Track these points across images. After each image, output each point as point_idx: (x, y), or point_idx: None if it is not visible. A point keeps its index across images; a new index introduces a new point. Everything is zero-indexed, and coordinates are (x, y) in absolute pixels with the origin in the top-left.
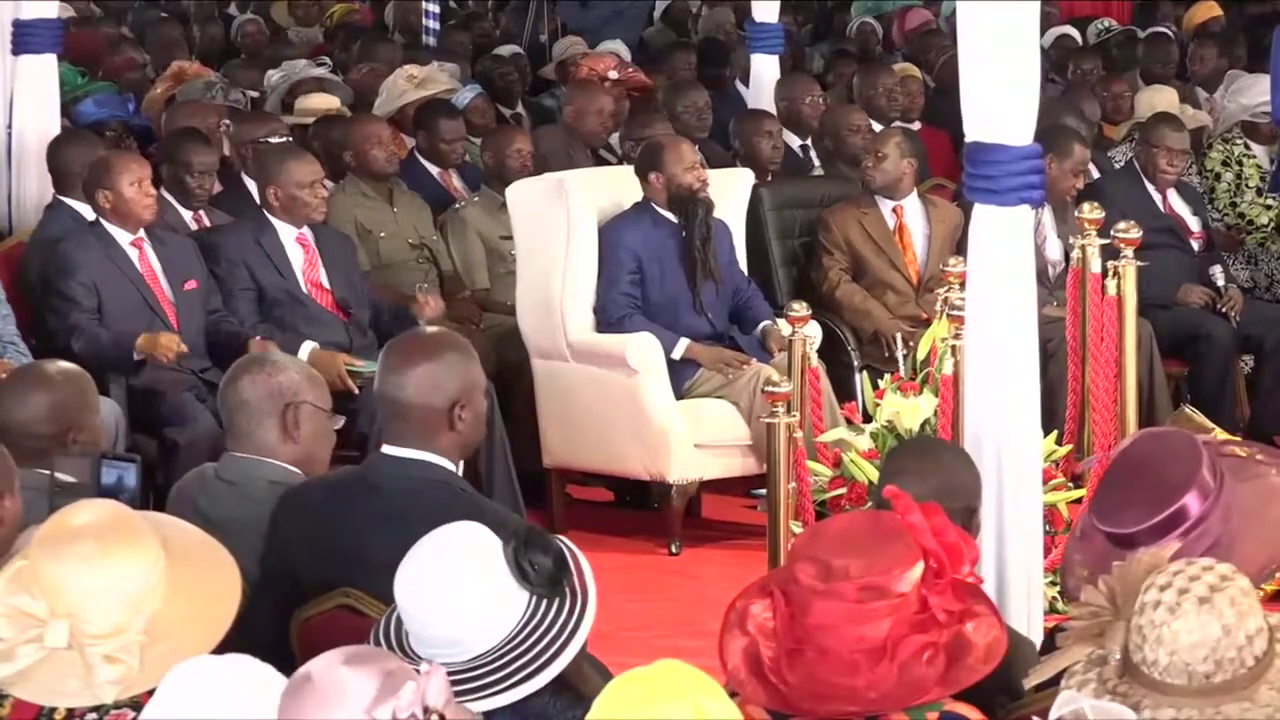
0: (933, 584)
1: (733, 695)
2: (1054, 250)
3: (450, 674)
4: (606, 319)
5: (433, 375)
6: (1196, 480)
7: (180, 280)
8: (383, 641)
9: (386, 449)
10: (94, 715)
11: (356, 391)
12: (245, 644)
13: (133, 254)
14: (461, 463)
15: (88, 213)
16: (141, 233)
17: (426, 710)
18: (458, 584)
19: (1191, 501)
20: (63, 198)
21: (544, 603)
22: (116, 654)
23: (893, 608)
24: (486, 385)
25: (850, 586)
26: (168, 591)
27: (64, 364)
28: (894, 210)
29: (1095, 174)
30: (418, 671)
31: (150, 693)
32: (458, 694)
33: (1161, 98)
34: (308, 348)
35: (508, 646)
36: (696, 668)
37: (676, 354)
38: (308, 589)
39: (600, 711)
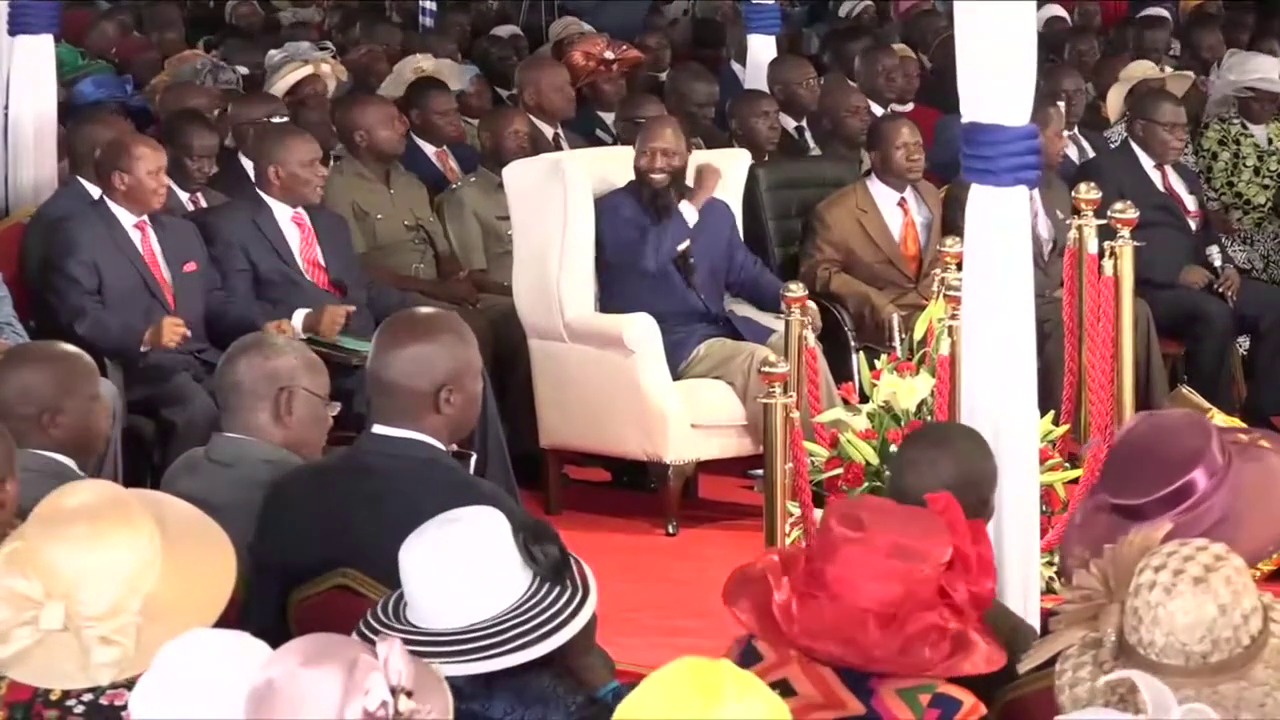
0: (954, 578)
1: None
2: (1043, 228)
3: (446, 639)
4: (615, 293)
5: (421, 357)
6: (1205, 456)
7: (180, 263)
8: (381, 614)
9: (376, 428)
10: (90, 695)
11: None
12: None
13: (135, 236)
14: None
15: (98, 194)
16: (144, 215)
17: (394, 691)
18: (465, 552)
19: (1199, 476)
20: (79, 177)
21: (546, 585)
22: (112, 636)
23: (912, 577)
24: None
25: (883, 539)
26: (163, 571)
27: (56, 346)
28: (899, 204)
29: (1091, 153)
30: (375, 655)
31: (111, 702)
32: (452, 657)
33: (1141, 69)
34: (300, 314)
35: (508, 616)
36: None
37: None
38: (303, 572)
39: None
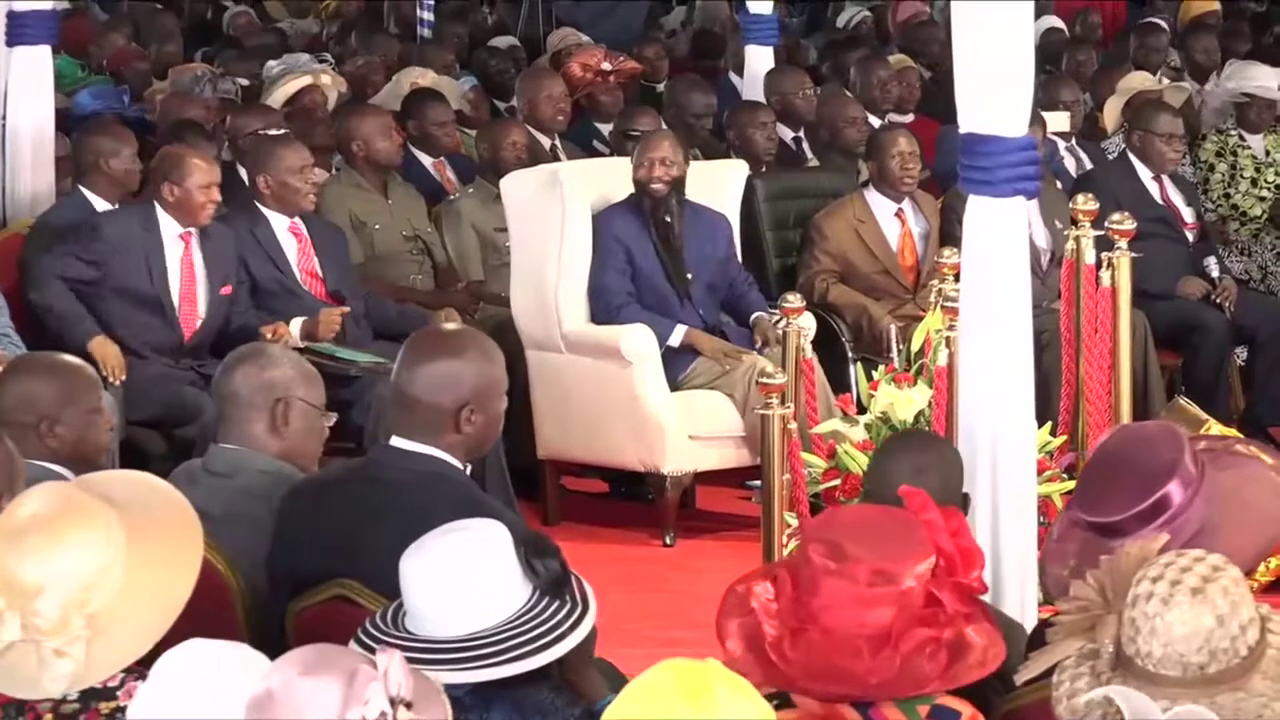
0: (940, 582)
1: None
2: (1040, 238)
3: (444, 647)
4: (603, 306)
5: (446, 374)
6: (1179, 468)
7: (219, 282)
8: (379, 622)
9: (394, 441)
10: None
11: (350, 374)
12: (259, 646)
13: (175, 248)
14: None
15: (100, 205)
16: (190, 228)
17: (393, 702)
18: (466, 561)
19: (1175, 489)
20: (81, 187)
21: (546, 598)
22: (64, 649)
23: (899, 597)
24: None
25: (862, 568)
26: (122, 578)
27: (59, 357)
28: (896, 214)
29: (1088, 164)
30: (375, 666)
31: (105, 684)
32: (449, 665)
33: (1138, 80)
34: (298, 322)
35: (507, 626)
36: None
37: (675, 340)
38: (308, 581)
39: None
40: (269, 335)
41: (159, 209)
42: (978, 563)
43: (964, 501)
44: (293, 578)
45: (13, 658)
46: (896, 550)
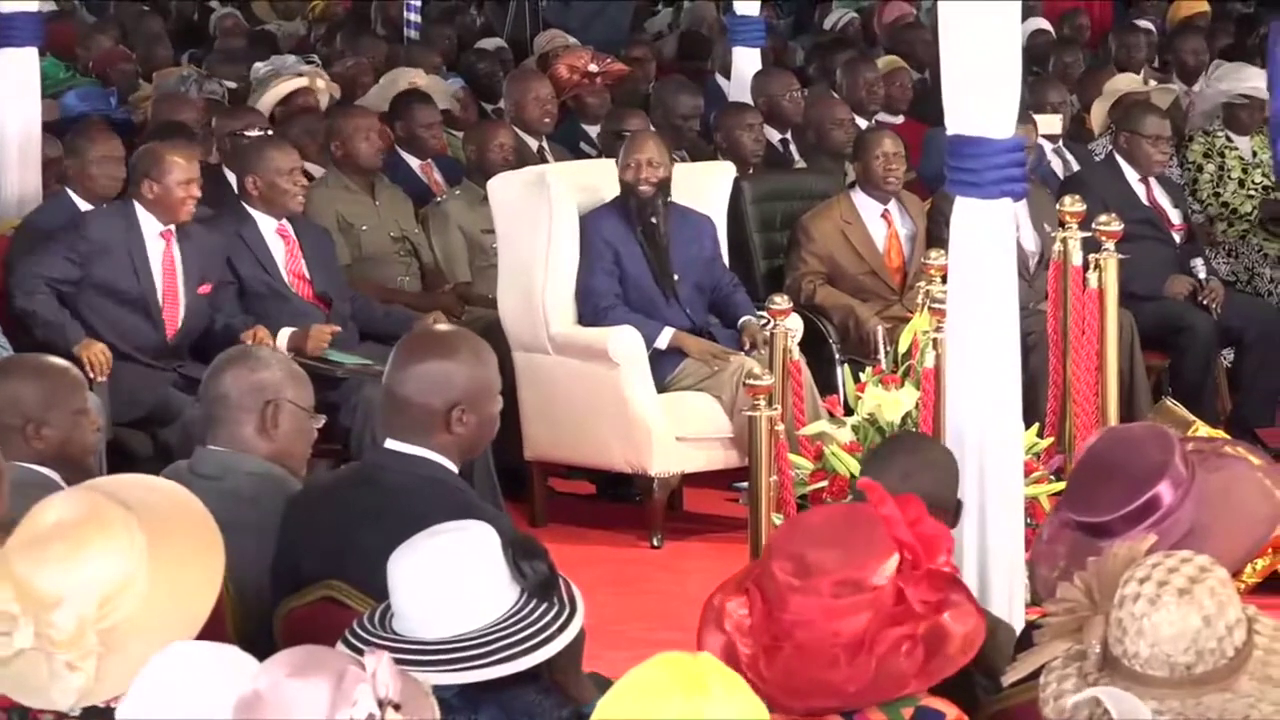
0: (908, 575)
1: None
2: (1028, 240)
3: (431, 648)
4: (590, 308)
5: (436, 374)
6: (1170, 469)
7: (196, 281)
8: (367, 624)
9: (388, 443)
10: None
11: (338, 376)
12: (247, 648)
13: (156, 246)
14: None
15: (85, 207)
16: (170, 225)
17: (381, 704)
18: (454, 562)
19: (1165, 490)
20: (67, 189)
21: (534, 601)
22: (76, 662)
23: (869, 601)
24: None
25: (826, 581)
26: (145, 589)
27: (44, 359)
28: (883, 215)
29: (1076, 166)
30: (363, 668)
31: (108, 704)
32: (436, 666)
33: (1124, 82)
34: (286, 333)
35: (494, 628)
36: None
37: (662, 343)
38: (307, 584)
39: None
40: (249, 340)
41: (138, 207)
42: (942, 546)
43: (957, 507)
44: (294, 581)
45: (22, 665)
46: (859, 555)
